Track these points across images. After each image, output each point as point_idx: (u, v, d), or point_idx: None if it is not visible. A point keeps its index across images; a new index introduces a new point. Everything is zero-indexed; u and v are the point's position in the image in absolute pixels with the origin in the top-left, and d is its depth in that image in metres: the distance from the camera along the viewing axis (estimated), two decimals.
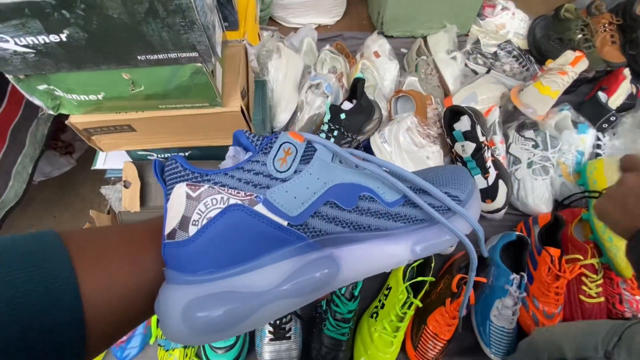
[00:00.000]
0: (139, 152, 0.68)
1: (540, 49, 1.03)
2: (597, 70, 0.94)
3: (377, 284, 0.71)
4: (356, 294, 0.61)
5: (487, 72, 0.99)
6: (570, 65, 0.82)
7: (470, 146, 0.72)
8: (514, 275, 0.65)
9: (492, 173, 0.73)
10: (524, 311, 0.66)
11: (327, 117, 0.70)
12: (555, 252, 0.66)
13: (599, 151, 0.84)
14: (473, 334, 0.67)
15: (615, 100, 0.87)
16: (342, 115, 0.69)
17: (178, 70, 0.48)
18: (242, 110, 0.58)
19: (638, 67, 0.97)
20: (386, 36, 1.08)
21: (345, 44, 1.03)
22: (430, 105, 0.84)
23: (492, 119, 0.83)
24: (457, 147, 0.75)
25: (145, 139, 0.64)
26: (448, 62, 0.96)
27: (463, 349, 0.66)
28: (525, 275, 0.65)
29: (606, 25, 1.01)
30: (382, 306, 0.64)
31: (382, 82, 0.89)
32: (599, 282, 0.67)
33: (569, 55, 0.84)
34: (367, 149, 0.76)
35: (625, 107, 0.89)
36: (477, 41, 0.99)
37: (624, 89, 0.87)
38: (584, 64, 0.82)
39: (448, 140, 0.78)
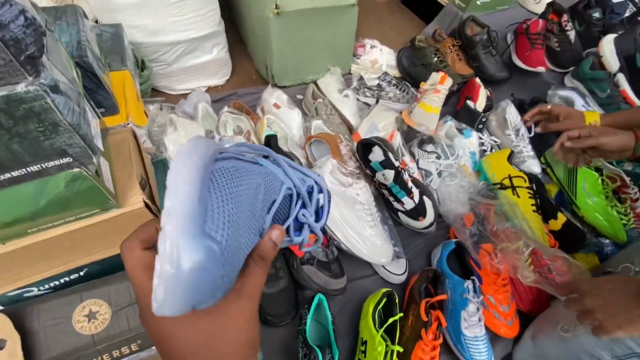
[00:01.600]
0: (10, 294, 0.50)
1: (411, 75, 1.19)
2: (458, 83, 1.13)
3: (349, 340, 0.66)
4: None
5: (377, 102, 1.09)
6: (439, 84, 0.96)
7: (390, 173, 0.75)
8: (467, 282, 0.68)
9: (415, 192, 0.77)
10: (486, 312, 0.69)
11: None
12: (488, 247, 0.72)
13: (484, 148, 0.98)
14: (453, 356, 0.66)
15: (480, 104, 1.04)
16: None
17: (46, 184, 0.37)
18: (145, 204, 0.49)
19: (483, 75, 1.19)
20: (279, 87, 1.11)
21: (241, 101, 1.01)
22: (342, 142, 0.86)
23: (396, 143, 0.90)
24: (379, 176, 0.78)
25: (16, 276, 0.48)
26: (342, 100, 1.03)
27: None
28: (475, 278, 0.68)
29: (450, 47, 1.24)
30: None
31: (291, 131, 0.88)
32: (529, 262, 0.75)
33: (435, 76, 0.98)
34: None
35: (487, 108, 1.07)
36: (361, 77, 1.09)
37: (482, 94, 1.06)
38: (449, 81, 0.97)
39: (368, 171, 0.81)
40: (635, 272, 0.57)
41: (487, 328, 0.68)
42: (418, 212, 0.77)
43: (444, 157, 0.90)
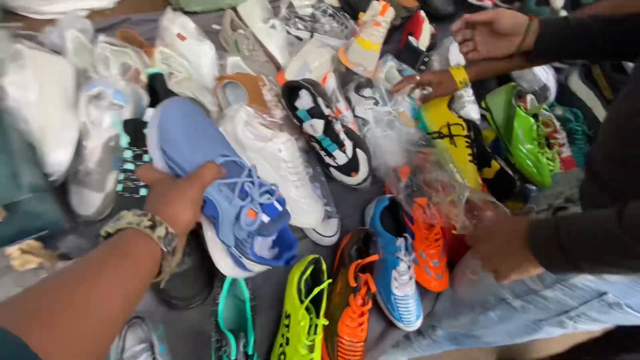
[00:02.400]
0: None
1: (349, 4, 1.02)
2: (402, 17, 1.00)
3: (275, 313, 0.60)
4: (250, 352, 0.48)
5: (311, 36, 0.93)
6: (380, 16, 0.83)
7: (319, 123, 0.64)
8: (399, 240, 0.64)
9: (349, 145, 0.68)
10: (417, 267, 0.67)
11: (125, 139, 0.49)
12: (422, 201, 0.68)
13: (425, 92, 0.90)
14: (383, 315, 0.64)
15: (423, 41, 0.94)
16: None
17: None
18: None
19: (428, 8, 1.07)
20: (187, 13, 0.88)
21: (136, 30, 0.78)
22: (264, 86, 0.72)
23: (330, 87, 0.78)
24: (307, 127, 0.66)
25: None
26: (269, 32, 0.85)
27: (379, 336, 0.63)
28: (408, 236, 0.64)
29: None
30: (287, 341, 0.53)
31: (199, 70, 0.71)
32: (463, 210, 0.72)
33: (375, 5, 0.84)
34: None
35: (431, 47, 0.97)
36: (290, 4, 0.90)
37: (426, 30, 0.95)
38: (391, 12, 0.84)
39: (295, 121, 0.69)
40: (537, 212, 0.57)
41: (417, 283, 0.67)
42: (351, 167, 0.68)
43: (382, 104, 0.81)
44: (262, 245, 0.44)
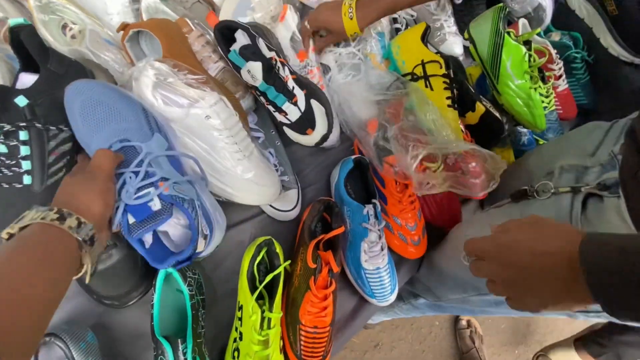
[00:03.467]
0: None
1: None
2: None
3: (231, 302, 0.53)
4: (189, 359, 0.41)
5: None
6: None
7: (256, 67, 0.52)
8: (366, 208, 0.55)
9: (300, 94, 0.56)
10: (390, 233, 0.59)
11: None
12: (393, 160, 0.58)
13: (397, 26, 0.75)
14: (354, 291, 0.57)
15: None
16: (22, 101, 0.37)
17: None
18: None
19: None
20: None
21: None
22: (191, 32, 0.57)
23: (290, 25, 0.63)
24: (244, 74, 0.54)
25: None
26: None
27: (350, 314, 0.57)
28: (377, 202, 0.55)
29: None
30: (241, 336, 0.46)
31: (104, 18, 0.56)
32: (441, 168, 0.63)
33: None
34: None
35: None
36: None
37: None
38: None
39: (238, 74, 0.56)
40: (555, 190, 0.46)
41: (392, 251, 0.60)
42: (305, 123, 0.57)
43: (344, 44, 0.67)
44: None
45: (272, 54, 0.54)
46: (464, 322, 1.13)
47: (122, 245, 0.47)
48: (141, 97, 0.44)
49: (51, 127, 0.39)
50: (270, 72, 0.53)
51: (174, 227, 0.42)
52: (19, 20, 0.39)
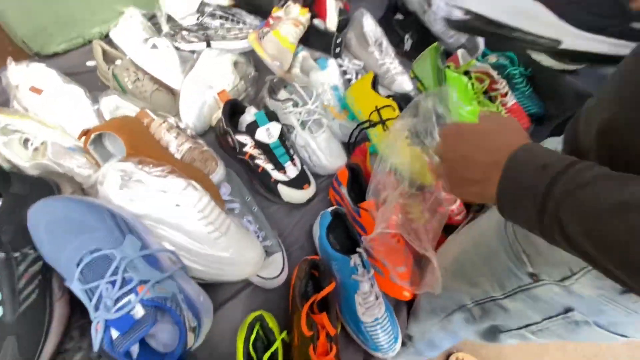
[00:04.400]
0: None
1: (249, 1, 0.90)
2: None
3: None
4: None
5: (208, 45, 0.80)
6: (302, 16, 0.73)
7: (276, 127, 0.60)
8: (352, 259, 0.55)
9: (296, 155, 0.62)
10: (381, 278, 0.59)
11: None
12: (369, 204, 0.59)
13: (348, 77, 0.81)
14: (358, 347, 0.55)
15: (331, 21, 0.83)
16: None
17: None
18: None
19: None
20: (50, 56, 0.73)
21: None
22: (153, 122, 0.60)
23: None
24: (261, 133, 0.59)
25: None
26: (150, 55, 0.72)
27: None
28: (361, 250, 0.56)
29: None
30: None
31: (66, 125, 0.57)
32: (418, 201, 0.64)
33: (293, 8, 0.74)
34: None
35: (344, 25, 0.87)
36: (170, 18, 0.77)
37: (332, 8, 0.84)
38: (308, 15, 0.74)
39: (247, 135, 0.60)
40: None
41: (387, 296, 0.59)
42: (303, 178, 0.63)
43: (302, 103, 0.70)
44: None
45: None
46: None
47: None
48: (108, 200, 0.44)
49: (19, 251, 0.38)
50: (283, 134, 0.61)
51: (159, 328, 0.41)
52: None
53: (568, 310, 0.41)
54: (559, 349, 1.20)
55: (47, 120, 0.56)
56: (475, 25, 0.47)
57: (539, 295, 0.43)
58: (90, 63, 0.75)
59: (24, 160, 0.49)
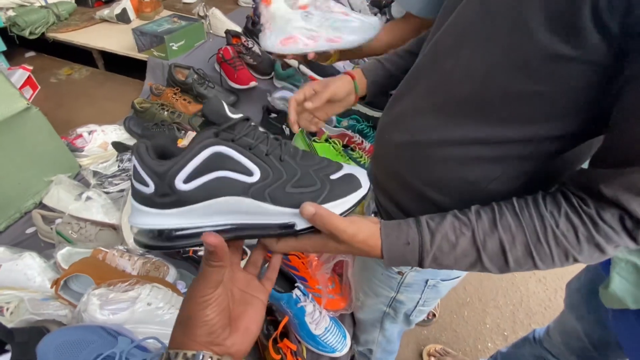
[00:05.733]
0: None
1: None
2: (199, 125, 1.17)
3: None
4: None
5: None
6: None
7: None
8: (294, 293, 0.74)
9: None
10: (320, 300, 0.78)
11: None
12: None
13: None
14: (323, 357, 0.72)
15: None
16: None
17: None
18: None
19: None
20: None
21: None
22: (106, 254, 0.74)
23: None
24: None
25: None
26: (87, 206, 0.88)
27: None
28: (299, 284, 0.75)
29: (174, 95, 1.25)
30: None
31: (31, 285, 0.68)
32: None
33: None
34: None
35: None
36: (95, 173, 0.96)
37: None
38: None
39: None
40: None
41: (329, 311, 0.78)
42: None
43: None
44: None
45: None
46: None
47: None
48: (94, 321, 0.58)
49: None
50: None
51: None
52: None
53: (426, 281, 0.61)
54: (495, 306, 1.46)
55: (14, 285, 0.67)
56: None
57: (409, 282, 0.62)
58: (29, 230, 0.88)
59: (7, 323, 0.59)
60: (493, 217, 0.39)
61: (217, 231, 0.32)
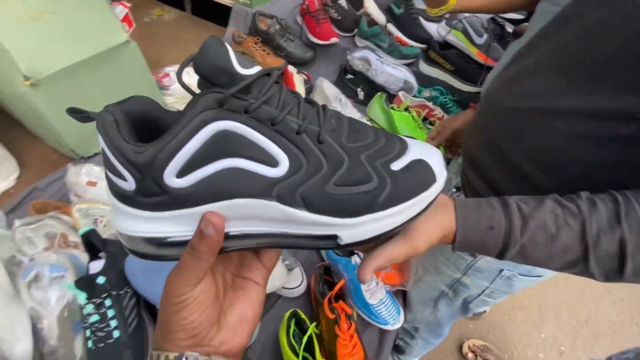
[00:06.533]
0: None
1: None
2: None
3: None
4: None
5: None
6: None
7: None
8: (353, 258, 0.72)
9: None
10: (378, 272, 0.76)
11: (82, 296, 0.53)
12: None
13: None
14: (373, 326, 0.71)
15: (300, 90, 1.09)
16: (101, 280, 0.54)
17: None
18: None
19: (293, 60, 1.25)
20: (91, 156, 0.94)
21: (46, 195, 0.82)
22: None
23: None
24: None
25: None
26: None
27: (378, 345, 0.70)
28: (358, 252, 0.74)
29: (254, 45, 1.25)
30: None
31: None
32: None
33: None
34: None
35: (309, 91, 1.13)
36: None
37: (298, 80, 1.11)
38: None
39: None
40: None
41: (386, 284, 0.76)
42: None
43: None
44: None
45: None
46: (470, 355, 1.21)
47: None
48: None
49: (121, 291, 0.55)
50: None
51: None
52: (84, 229, 0.58)
53: (500, 270, 0.56)
54: (556, 317, 1.34)
55: (109, 202, 0.74)
56: None
57: (480, 266, 0.58)
58: None
59: (102, 233, 0.67)
60: (616, 211, 0.31)
61: (230, 237, 0.23)
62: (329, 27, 1.22)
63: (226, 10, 1.42)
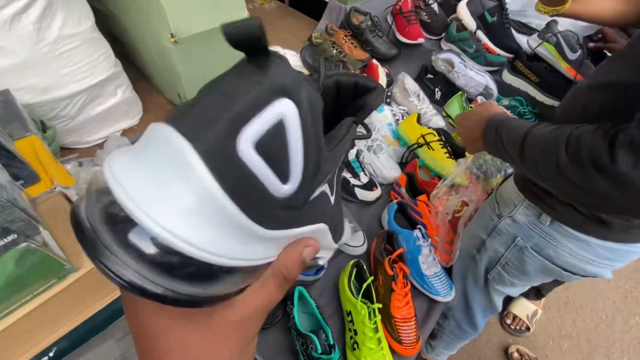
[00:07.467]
0: None
1: (317, 70, 1.28)
2: (359, 68, 1.26)
3: (336, 319, 0.72)
4: (331, 342, 0.60)
5: None
6: None
7: (353, 151, 0.87)
8: (415, 232, 0.79)
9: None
10: (436, 251, 0.81)
11: None
12: (423, 197, 0.85)
13: (396, 117, 1.11)
14: (424, 296, 0.76)
15: (382, 81, 1.18)
16: None
17: None
18: None
19: (377, 56, 1.34)
20: None
21: None
22: None
23: None
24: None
25: None
26: None
27: (426, 313, 0.75)
28: (420, 227, 0.80)
29: (344, 37, 1.36)
30: (355, 332, 0.65)
31: None
32: (458, 199, 0.89)
33: None
34: None
35: (389, 84, 1.22)
36: None
37: (382, 73, 1.19)
38: None
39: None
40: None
41: (441, 263, 0.81)
42: (371, 184, 0.89)
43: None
44: None
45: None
46: (516, 355, 1.19)
47: None
48: None
49: None
50: (358, 154, 0.91)
51: None
52: None
53: (515, 238, 0.64)
54: (606, 355, 1.26)
55: None
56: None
57: (501, 229, 0.67)
58: None
59: None
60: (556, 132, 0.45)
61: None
62: (418, 28, 1.29)
63: (321, 5, 1.56)
